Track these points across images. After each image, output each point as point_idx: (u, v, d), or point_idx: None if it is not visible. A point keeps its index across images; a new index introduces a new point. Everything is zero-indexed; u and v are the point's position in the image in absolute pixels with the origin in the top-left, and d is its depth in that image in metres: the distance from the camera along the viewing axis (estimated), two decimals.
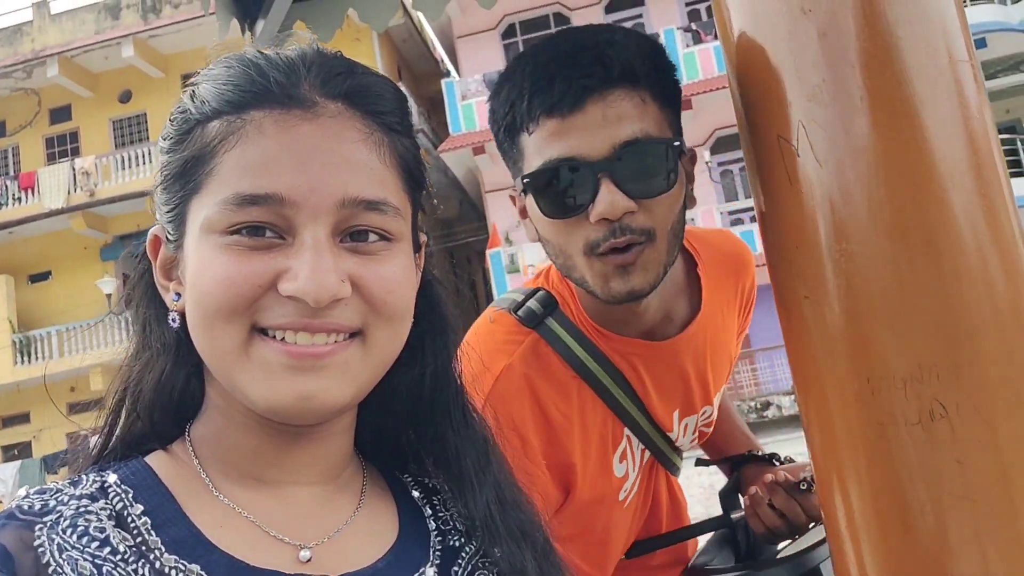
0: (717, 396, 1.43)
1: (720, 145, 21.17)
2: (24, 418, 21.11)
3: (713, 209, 20.10)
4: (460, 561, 0.79)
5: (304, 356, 0.69)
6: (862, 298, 0.89)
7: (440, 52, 24.19)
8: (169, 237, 0.75)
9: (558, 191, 1.10)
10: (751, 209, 19.94)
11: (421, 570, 0.76)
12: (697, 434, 1.45)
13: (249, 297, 0.68)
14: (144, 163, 22.94)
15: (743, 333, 1.52)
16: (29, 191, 22.40)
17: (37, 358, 22.33)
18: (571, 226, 1.11)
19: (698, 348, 1.33)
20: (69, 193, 22.73)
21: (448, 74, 23.33)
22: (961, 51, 0.93)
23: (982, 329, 0.86)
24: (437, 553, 0.78)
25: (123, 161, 23.38)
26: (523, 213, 1.21)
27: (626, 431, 1.29)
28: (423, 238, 0.84)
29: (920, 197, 0.88)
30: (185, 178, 0.72)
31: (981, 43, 18.22)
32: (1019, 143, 18.84)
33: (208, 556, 0.68)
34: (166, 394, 0.76)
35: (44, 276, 23.98)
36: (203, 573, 0.67)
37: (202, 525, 0.70)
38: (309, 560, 0.72)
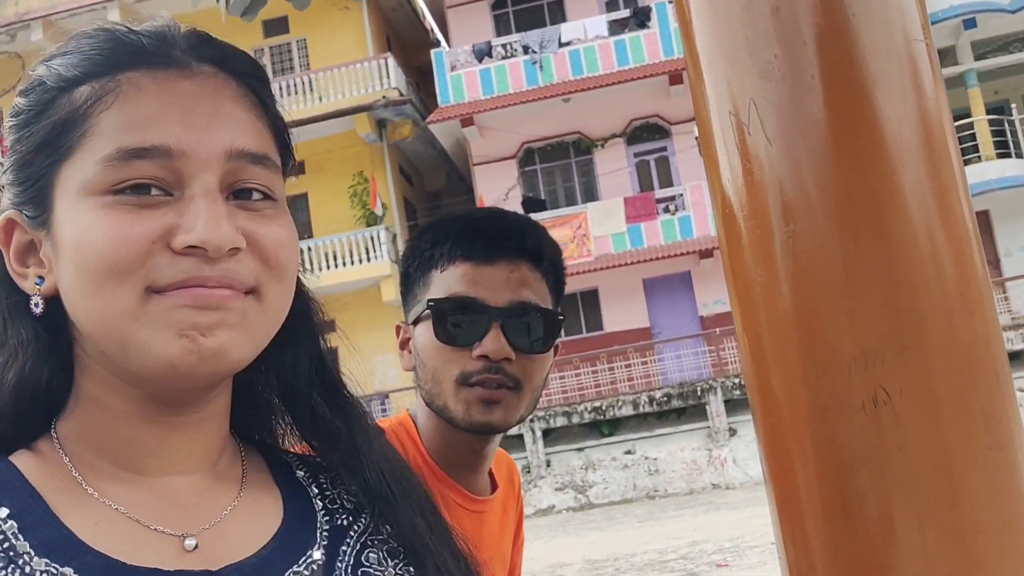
0: None
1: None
2: None
3: (703, 185, 20.05)
4: (348, 540, 0.77)
5: (207, 297, 0.66)
6: (810, 280, 0.87)
7: (430, 22, 24.01)
8: (28, 216, 0.71)
9: (454, 322, 1.27)
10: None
11: (308, 553, 0.74)
12: None
13: (141, 254, 0.65)
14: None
15: (520, 548, 1.56)
16: None
17: None
18: (454, 355, 1.26)
19: (499, 523, 1.42)
20: None
21: (438, 44, 23.15)
22: (916, 30, 0.91)
23: (929, 313, 0.85)
24: (324, 534, 0.76)
25: None
26: (404, 344, 1.37)
27: None
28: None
29: (870, 178, 0.87)
30: (51, 146, 0.69)
31: (971, 23, 18.16)
32: (1007, 124, 18.85)
33: (82, 557, 0.65)
34: (28, 393, 0.72)
35: None
36: None
37: (75, 525, 0.67)
38: (196, 548, 0.69)
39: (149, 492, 0.71)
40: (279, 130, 0.76)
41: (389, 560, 0.78)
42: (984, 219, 18.79)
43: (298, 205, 21.86)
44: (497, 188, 20.94)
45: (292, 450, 0.84)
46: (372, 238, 20.98)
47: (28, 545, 0.65)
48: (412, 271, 1.35)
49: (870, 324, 0.85)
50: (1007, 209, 18.26)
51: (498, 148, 21.15)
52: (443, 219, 1.36)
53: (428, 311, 1.28)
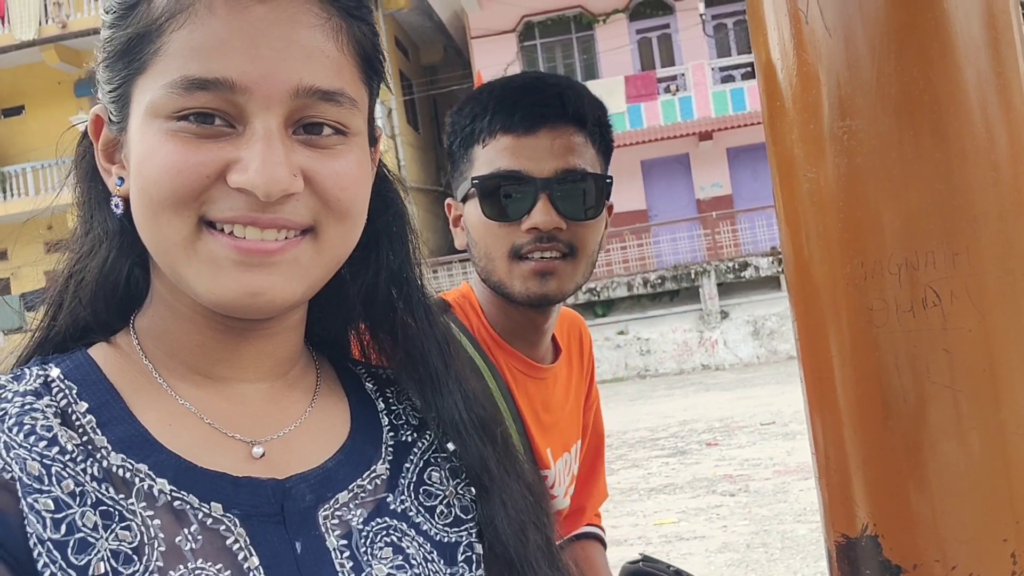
0: (578, 444, 1.47)
1: None
2: (2, 256, 21.03)
3: (705, 65, 19.71)
4: (412, 457, 0.78)
5: (253, 252, 0.65)
6: (863, 178, 0.85)
7: None
8: (112, 118, 0.70)
9: (501, 197, 1.25)
10: (745, 65, 19.61)
11: (372, 467, 0.74)
12: (571, 484, 1.44)
13: (197, 188, 0.65)
14: None
15: (592, 404, 1.56)
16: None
17: (13, 195, 22.06)
18: (504, 230, 1.25)
19: (564, 386, 1.43)
20: (40, 24, 21.94)
21: None
22: None
23: (983, 217, 0.83)
24: (389, 449, 0.77)
25: None
26: (456, 222, 1.34)
27: None
28: (379, 131, 0.79)
29: (932, 74, 0.83)
30: (129, 56, 0.67)
31: None
32: None
33: (156, 456, 0.66)
34: (110, 283, 0.72)
35: (17, 111, 23.43)
36: (151, 473, 0.65)
37: (149, 424, 0.68)
38: (263, 456, 0.70)
39: (220, 396, 0.71)
40: (367, 53, 0.72)
41: (451, 479, 0.78)
42: None
43: None
44: (496, 63, 20.50)
45: (363, 359, 0.84)
46: None
47: (106, 439, 0.66)
48: (456, 148, 1.32)
49: (923, 226, 0.83)
50: None
51: (497, 21, 20.63)
52: (481, 90, 1.32)
53: (474, 189, 1.27)
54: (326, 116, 0.68)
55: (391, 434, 0.78)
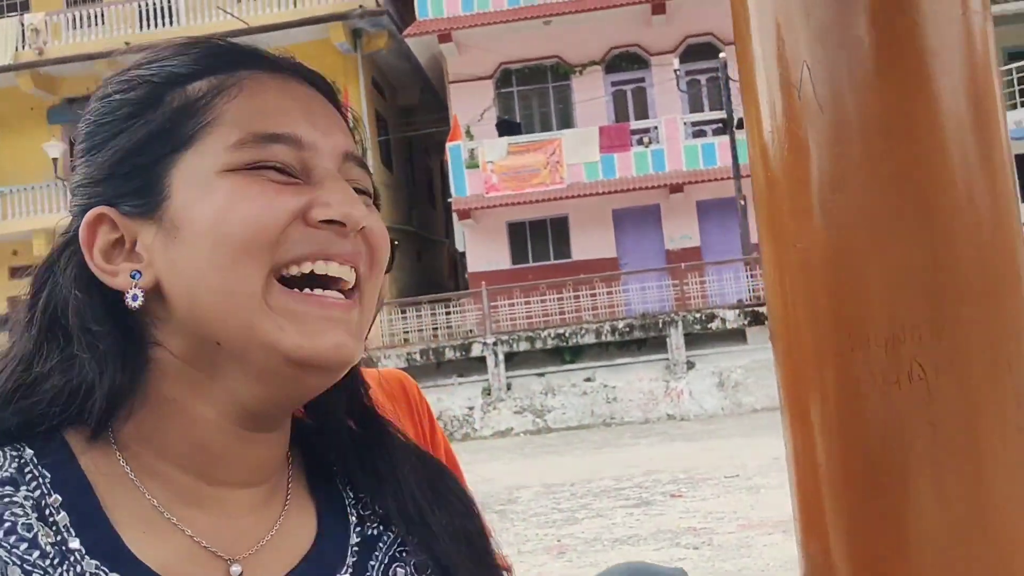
0: None
1: (689, 53, 20.93)
2: None
3: (677, 119, 20.00)
4: (377, 553, 0.75)
5: (334, 306, 0.68)
6: (853, 251, 0.87)
7: None
8: (129, 208, 0.69)
9: None
10: (716, 121, 19.93)
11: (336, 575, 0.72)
12: None
13: (283, 225, 0.67)
14: (97, 24, 22.08)
15: (441, 450, 1.58)
16: None
17: None
18: None
19: None
20: (17, 50, 21.86)
21: None
22: (976, 1, 0.89)
23: (968, 293, 0.85)
24: (355, 549, 0.75)
25: (75, 20, 22.49)
26: None
27: None
28: None
29: (920, 152, 0.85)
30: (166, 135, 0.69)
31: None
32: None
33: (129, 568, 0.63)
34: (116, 394, 0.67)
35: None
36: None
37: (123, 527, 0.64)
38: (240, 575, 0.67)
39: (205, 503, 0.69)
40: (363, 162, 0.80)
41: (417, 574, 0.76)
42: None
43: None
44: (472, 108, 20.68)
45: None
46: None
47: (79, 542, 0.63)
48: None
49: (911, 300, 0.84)
50: None
51: (475, 67, 20.85)
52: None
53: None
54: (361, 182, 0.74)
55: (358, 529, 0.76)
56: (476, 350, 17.53)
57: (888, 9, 0.86)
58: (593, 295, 19.22)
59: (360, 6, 21.17)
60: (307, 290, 0.67)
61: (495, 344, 17.69)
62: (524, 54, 20.85)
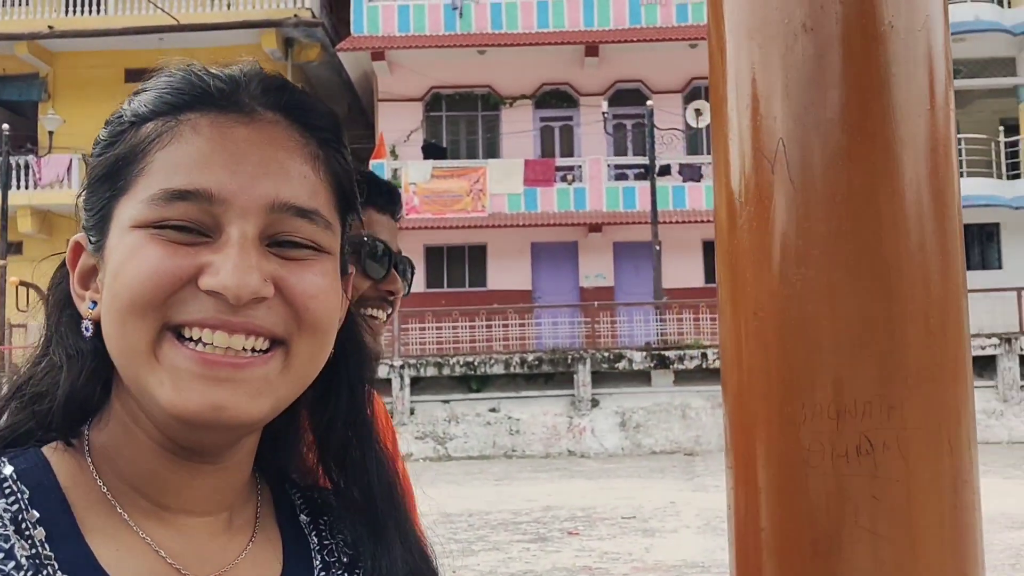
0: None
1: (618, 98, 21.29)
2: None
3: (602, 160, 20.29)
4: None
5: (220, 364, 0.65)
6: (811, 325, 0.89)
7: None
8: (91, 240, 0.71)
9: (372, 260, 1.49)
10: (637, 166, 20.30)
11: None
12: None
13: (168, 289, 0.65)
14: (22, 4, 21.41)
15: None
16: None
17: None
18: (360, 285, 1.45)
19: None
20: None
21: None
22: (943, 97, 0.94)
23: (918, 374, 0.88)
24: None
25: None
26: None
27: None
28: (351, 269, 0.81)
29: (882, 232, 0.89)
30: (113, 179, 0.69)
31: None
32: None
33: None
34: (75, 403, 0.71)
35: None
36: None
37: (97, 546, 0.66)
38: None
39: (169, 526, 0.70)
40: (343, 186, 0.75)
41: None
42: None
43: None
44: (399, 128, 20.63)
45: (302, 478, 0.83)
46: None
47: (54, 557, 0.64)
48: None
49: (865, 377, 0.88)
50: None
51: (406, 88, 20.84)
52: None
53: (351, 245, 1.49)
54: (300, 233, 0.70)
55: (323, 573, 0.77)
56: (382, 371, 17.39)
57: (863, 94, 0.90)
58: (505, 325, 19.29)
59: (295, 15, 21.01)
60: (197, 346, 0.65)
61: (402, 367, 17.57)
62: (456, 80, 20.95)
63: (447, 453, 16.89)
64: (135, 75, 20.84)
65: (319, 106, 0.75)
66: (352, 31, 20.62)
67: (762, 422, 0.93)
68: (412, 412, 17.53)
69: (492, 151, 21.14)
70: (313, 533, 0.79)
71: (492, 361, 17.94)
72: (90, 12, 21.82)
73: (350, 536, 0.79)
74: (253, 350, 0.67)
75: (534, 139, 21.22)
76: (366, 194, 1.36)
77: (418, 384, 17.86)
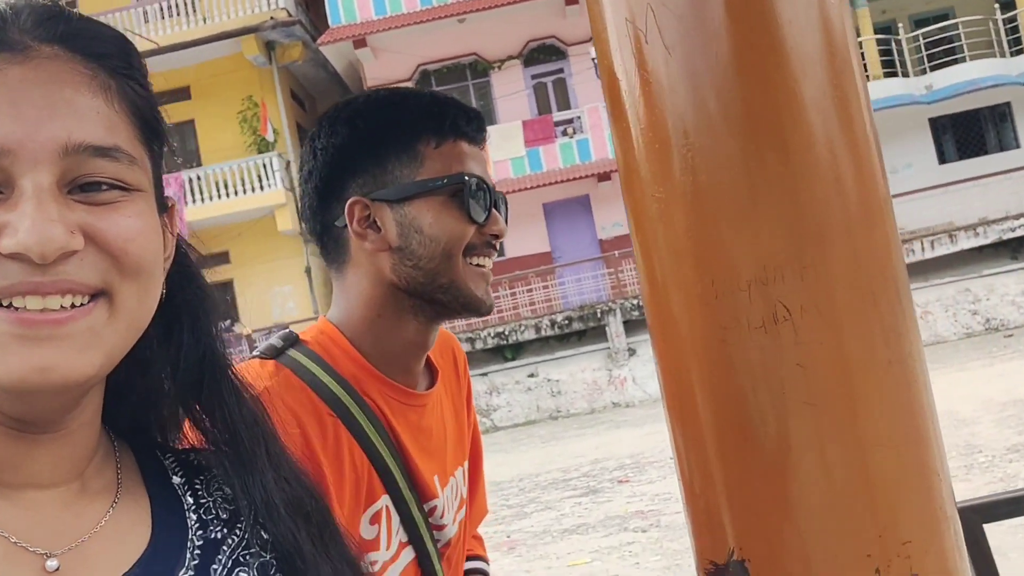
0: (464, 466, 1.45)
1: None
2: None
3: (600, 107, 20.05)
4: (220, 557, 0.72)
5: (38, 323, 0.60)
6: (709, 197, 0.84)
7: None
8: None
9: (470, 199, 1.27)
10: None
11: None
12: (461, 511, 1.41)
13: None
14: None
15: (472, 421, 1.55)
16: None
17: None
18: (467, 231, 1.27)
19: (444, 409, 1.41)
20: None
21: None
22: None
23: (830, 230, 0.83)
24: (196, 552, 0.71)
25: None
26: (362, 222, 1.28)
27: (385, 499, 1.25)
28: (171, 200, 0.75)
29: (771, 90, 0.83)
30: None
31: None
32: (893, 44, 19.33)
33: None
34: None
35: None
36: None
37: None
38: (57, 570, 0.63)
39: (9, 503, 0.65)
40: (143, 114, 0.69)
41: None
42: None
43: (185, 132, 21.09)
44: None
45: (172, 441, 0.78)
46: (264, 165, 20.42)
47: None
48: (391, 141, 1.29)
49: (770, 242, 0.82)
50: (893, 127, 18.83)
51: (393, 71, 20.71)
52: (407, 94, 1.34)
53: (448, 185, 1.27)
54: (103, 173, 0.64)
55: (200, 532, 0.73)
56: None
57: None
58: (530, 291, 19.25)
59: (271, 17, 20.89)
60: (5, 310, 0.60)
61: None
62: (441, 53, 20.79)
63: (493, 424, 16.95)
64: None
65: (104, 30, 0.68)
66: (330, 23, 20.50)
67: (679, 307, 0.88)
68: None
69: (488, 118, 20.99)
70: (188, 494, 0.75)
71: (522, 328, 17.94)
72: None
73: (228, 490, 0.75)
74: (72, 305, 0.62)
75: (528, 98, 21.04)
76: (451, 123, 1.27)
77: None
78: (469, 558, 1.52)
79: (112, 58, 0.67)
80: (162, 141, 0.71)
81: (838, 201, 0.84)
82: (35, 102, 0.62)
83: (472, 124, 1.31)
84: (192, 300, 0.75)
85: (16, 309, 0.60)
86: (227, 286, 21.10)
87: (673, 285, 0.87)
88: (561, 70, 20.92)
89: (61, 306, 0.61)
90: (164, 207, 0.72)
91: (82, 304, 0.62)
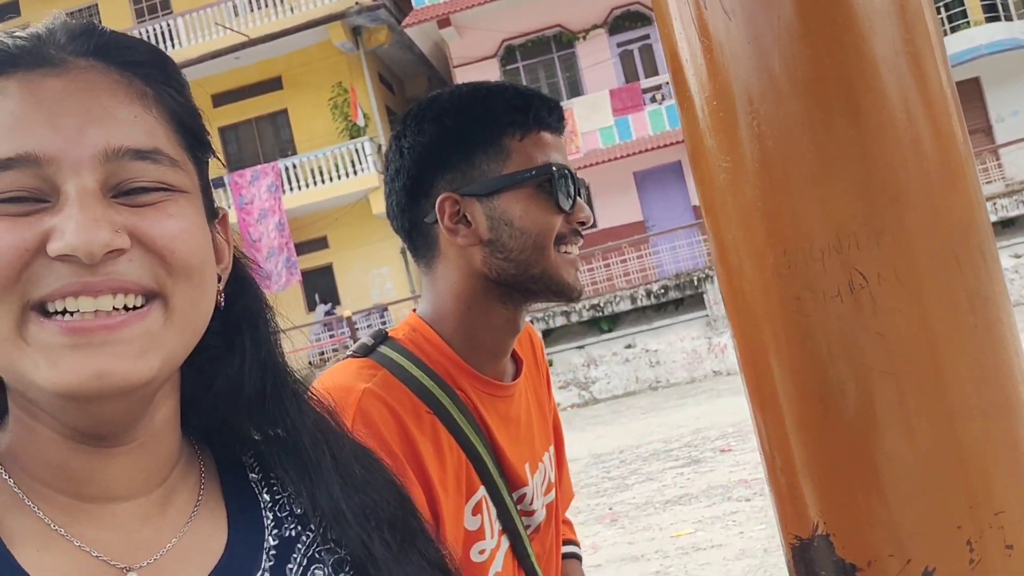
0: (551, 450, 1.47)
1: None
2: None
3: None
4: (295, 555, 0.73)
5: (93, 330, 0.61)
6: (778, 164, 0.82)
7: None
8: None
9: (559, 189, 1.29)
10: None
11: None
12: (548, 495, 1.42)
13: (17, 266, 0.61)
14: (168, 40, 22.19)
15: (553, 406, 1.56)
16: None
17: None
18: (556, 221, 1.29)
19: (529, 397, 1.43)
20: None
21: None
22: None
23: (906, 192, 0.80)
24: (271, 553, 0.72)
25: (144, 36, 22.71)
26: (453, 218, 1.29)
27: (482, 490, 1.27)
28: (222, 210, 0.76)
29: (838, 50, 0.80)
30: None
31: None
32: None
33: None
34: None
35: None
36: None
37: (16, 547, 0.63)
38: None
39: (90, 517, 0.66)
40: (183, 120, 0.70)
41: (335, 574, 0.73)
42: (975, 85, 18.57)
43: (279, 122, 21.56)
44: None
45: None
46: (357, 150, 20.74)
47: None
48: (475, 133, 1.30)
49: (843, 207, 0.79)
50: (998, 74, 17.99)
51: (478, 48, 20.72)
52: (491, 88, 1.35)
53: (535, 177, 1.29)
54: (145, 176, 0.65)
55: (275, 531, 0.74)
56: None
57: None
58: (624, 261, 19.11)
59: (356, 3, 21.12)
60: (61, 317, 0.61)
61: (531, 321, 17.69)
62: (525, 27, 20.70)
63: (592, 397, 16.94)
64: (222, 98, 21.44)
65: (136, 43, 0.69)
66: (414, 4, 20.60)
67: (753, 278, 0.86)
68: (551, 364, 17.62)
69: (575, 90, 20.84)
70: (264, 491, 0.76)
71: (618, 299, 17.83)
72: (165, 47, 22.52)
73: (305, 496, 0.76)
74: (125, 308, 0.63)
75: (615, 67, 20.79)
76: (535, 115, 1.30)
77: (550, 336, 17.92)
78: (564, 543, 1.54)
79: (146, 66, 0.69)
80: (206, 149, 0.72)
81: (915, 162, 0.80)
82: (73, 111, 0.63)
83: (554, 114, 1.33)
84: (251, 308, 0.76)
85: (67, 318, 0.61)
86: (327, 270, 21.56)
87: (745, 256, 0.85)
88: (647, 36, 20.58)
89: (114, 307, 0.62)
90: (214, 214, 0.74)
91: (136, 307, 0.63)
